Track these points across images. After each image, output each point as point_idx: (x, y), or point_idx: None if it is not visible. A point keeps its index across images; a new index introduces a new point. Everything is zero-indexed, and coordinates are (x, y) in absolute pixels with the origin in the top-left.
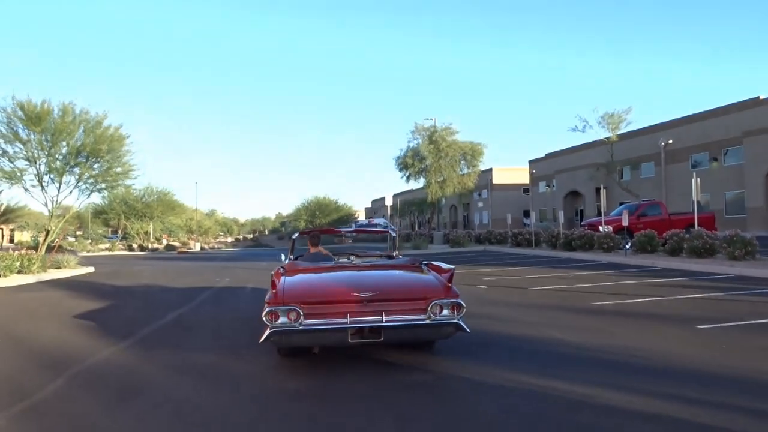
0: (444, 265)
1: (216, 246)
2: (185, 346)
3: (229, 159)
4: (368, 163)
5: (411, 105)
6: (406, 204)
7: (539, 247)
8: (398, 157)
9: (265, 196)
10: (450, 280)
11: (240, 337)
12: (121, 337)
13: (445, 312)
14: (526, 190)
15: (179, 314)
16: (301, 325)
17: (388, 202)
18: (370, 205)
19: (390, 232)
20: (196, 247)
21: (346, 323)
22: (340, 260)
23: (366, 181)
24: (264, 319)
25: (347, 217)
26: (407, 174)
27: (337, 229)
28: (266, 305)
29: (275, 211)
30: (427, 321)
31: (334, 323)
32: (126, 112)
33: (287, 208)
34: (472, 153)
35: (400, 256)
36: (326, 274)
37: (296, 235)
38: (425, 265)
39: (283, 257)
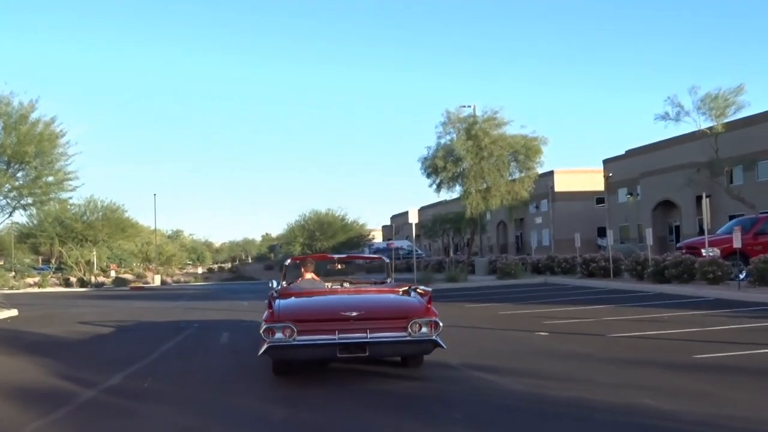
0: (424, 288)
1: (182, 279)
2: (139, 416)
3: (200, 164)
4: (385, 169)
5: (440, 89)
6: (438, 221)
7: (619, 278)
8: (424, 158)
9: (248, 212)
10: (429, 301)
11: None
12: (52, 406)
13: (424, 330)
14: (600, 200)
15: (137, 370)
16: (295, 340)
17: (413, 218)
18: (389, 223)
19: (384, 259)
20: (156, 280)
21: (335, 339)
22: (333, 287)
23: (384, 193)
24: (262, 335)
25: (359, 239)
26: (437, 180)
27: (329, 255)
28: (263, 323)
29: (261, 231)
30: (408, 338)
31: (324, 339)
32: (62, 102)
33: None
34: (526, 151)
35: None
36: (317, 297)
37: (288, 261)
38: (412, 289)
39: (274, 283)
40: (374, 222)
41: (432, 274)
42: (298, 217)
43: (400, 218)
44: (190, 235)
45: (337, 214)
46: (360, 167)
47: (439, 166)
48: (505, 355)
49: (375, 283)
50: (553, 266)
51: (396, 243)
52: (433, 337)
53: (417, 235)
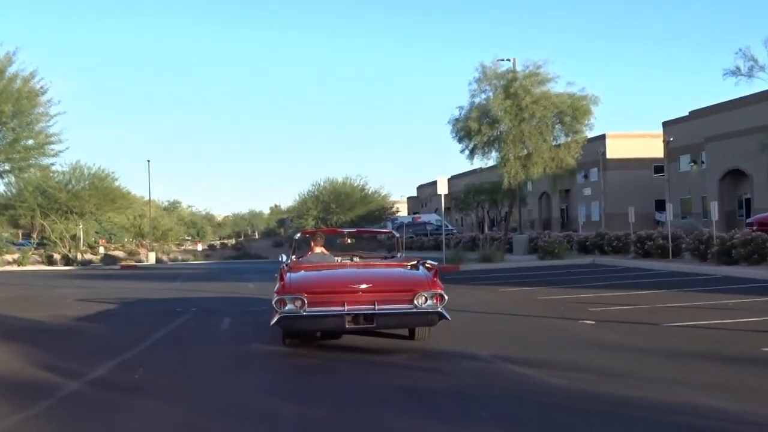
0: (431, 263)
1: (180, 257)
2: (126, 411)
3: (201, 128)
4: (411, 133)
5: (474, 40)
6: (471, 192)
7: (679, 259)
8: (456, 119)
9: (255, 182)
10: (435, 275)
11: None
12: (30, 399)
13: (429, 302)
14: (659, 169)
15: (127, 360)
16: (305, 311)
17: (442, 189)
18: (415, 194)
19: (394, 233)
20: (150, 258)
21: (344, 310)
22: (343, 261)
23: (409, 160)
24: (274, 306)
25: (380, 212)
26: (470, 146)
27: (339, 229)
28: (275, 294)
29: (270, 203)
30: (414, 309)
31: (334, 310)
32: (44, 54)
33: (288, 199)
34: (573, 111)
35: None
36: (327, 270)
37: (298, 235)
38: (420, 264)
39: (284, 257)
40: (398, 193)
41: (463, 253)
42: (311, 186)
43: (428, 189)
44: (189, 207)
45: (355, 184)
46: (382, 132)
47: (472, 128)
48: (543, 345)
49: (384, 258)
50: (603, 245)
51: (423, 217)
52: (438, 309)
53: (447, 209)
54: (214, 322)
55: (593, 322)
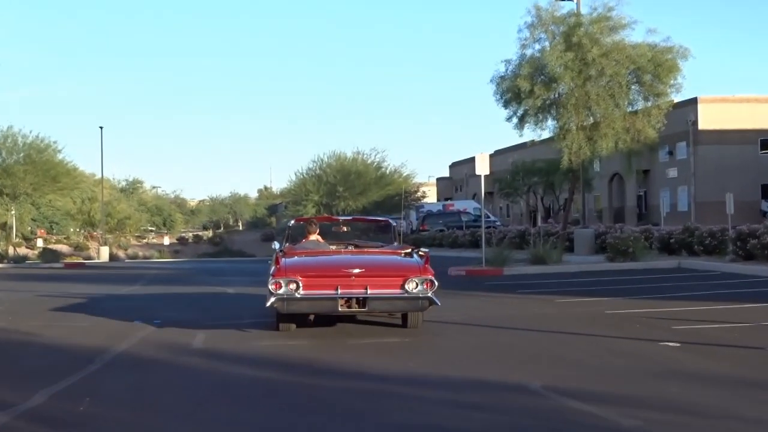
0: (424, 250)
1: (141, 253)
2: None
3: (170, 86)
4: (441, 99)
5: None
6: (520, 173)
7: None
8: (500, 78)
9: (239, 159)
10: (426, 261)
11: None
12: None
13: (420, 287)
14: (767, 145)
15: (70, 386)
16: (299, 294)
17: (482, 168)
18: (446, 174)
19: (390, 222)
20: (102, 254)
21: (337, 294)
22: (338, 248)
23: (439, 133)
24: (269, 288)
25: (402, 198)
26: (520, 112)
27: (334, 217)
28: (271, 277)
29: (258, 184)
30: (405, 294)
31: (327, 294)
32: None
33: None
34: (655, 68)
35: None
36: (322, 255)
37: (292, 222)
38: (414, 252)
39: (276, 245)
40: (425, 173)
41: (509, 252)
42: (311, 164)
43: (464, 168)
44: (154, 188)
45: (369, 161)
46: (404, 95)
47: (522, 89)
48: (612, 375)
49: (380, 247)
50: (692, 243)
51: (457, 204)
52: (429, 295)
53: (488, 194)
54: (182, 339)
55: (678, 344)
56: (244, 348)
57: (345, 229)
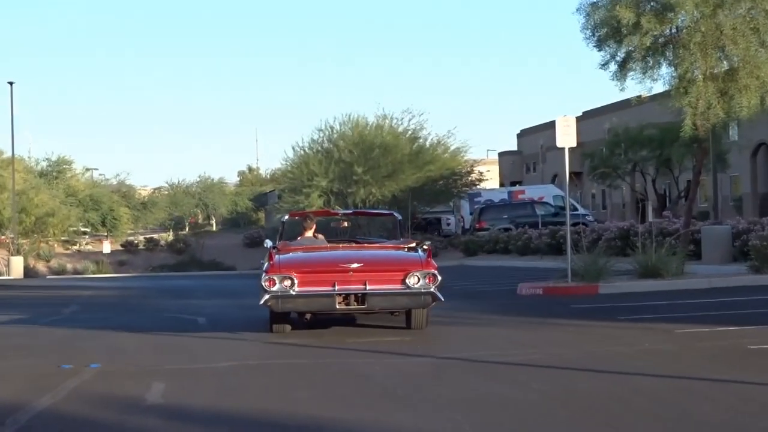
0: (428, 244)
1: (71, 266)
2: None
3: (114, 30)
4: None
5: None
6: (623, 144)
7: None
8: (590, 4)
9: (212, 130)
10: (429, 255)
11: None
12: None
13: (422, 282)
14: None
15: None
16: (294, 290)
17: (565, 139)
18: (514, 148)
19: (395, 215)
20: (14, 268)
21: (334, 290)
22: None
23: (500, 88)
24: (263, 285)
25: (449, 183)
26: (619, 55)
27: (333, 211)
28: (264, 274)
29: (240, 165)
30: (406, 290)
31: (324, 290)
32: None
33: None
34: None
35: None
36: (318, 251)
37: (286, 217)
38: (419, 246)
39: (269, 243)
40: (482, 147)
41: (606, 261)
42: (317, 134)
43: (538, 138)
44: (88, 171)
45: (400, 129)
46: (444, 39)
47: (623, 21)
48: None
49: (383, 242)
50: None
51: (530, 191)
52: (431, 290)
53: (574, 175)
54: (132, 390)
55: None
56: (223, 404)
57: (346, 225)
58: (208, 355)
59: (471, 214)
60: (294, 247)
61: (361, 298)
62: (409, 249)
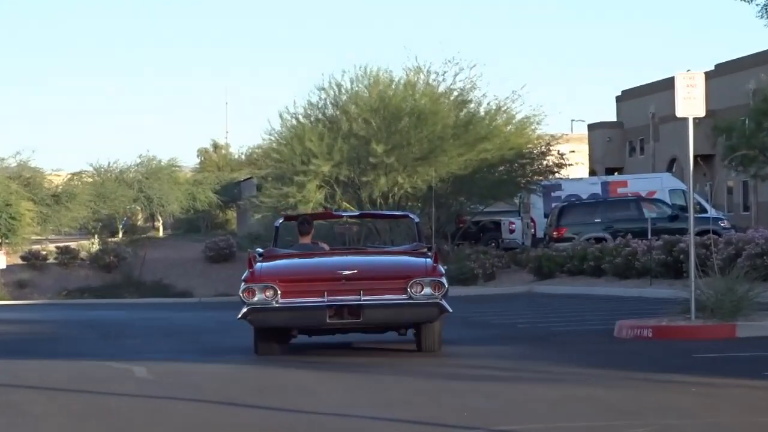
0: (439, 247)
1: None
2: None
3: None
4: None
5: None
6: None
7: None
8: None
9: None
10: (436, 260)
11: None
12: None
13: (426, 291)
14: None
15: None
16: (277, 302)
17: (687, 107)
18: (611, 117)
19: (411, 217)
20: None
21: (324, 301)
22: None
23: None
24: (241, 296)
25: (517, 171)
26: None
27: (335, 213)
28: (243, 283)
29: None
30: (408, 300)
31: (312, 302)
32: None
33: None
34: None
35: None
36: (306, 257)
37: (280, 221)
38: (428, 249)
39: (260, 251)
40: (563, 116)
41: (747, 288)
42: (316, 94)
43: (646, 104)
44: None
45: (441, 88)
46: None
47: None
48: None
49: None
50: None
51: (633, 182)
52: (437, 300)
53: (701, 159)
54: None
55: None
56: None
57: (354, 229)
58: (148, 426)
59: (546, 216)
60: (282, 254)
61: (356, 310)
62: (414, 254)
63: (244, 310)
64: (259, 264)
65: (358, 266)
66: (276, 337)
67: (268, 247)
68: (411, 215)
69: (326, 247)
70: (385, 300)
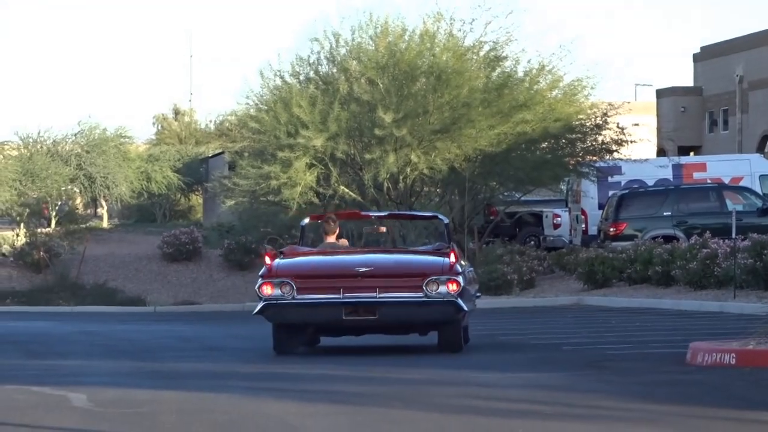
0: (450, 246)
1: None
2: None
3: None
4: None
5: None
6: None
7: None
8: None
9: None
10: (455, 258)
11: None
12: None
13: (442, 289)
14: None
15: None
16: (294, 298)
17: None
18: (687, 81)
19: (441, 218)
20: None
21: (340, 298)
22: None
23: None
24: (257, 292)
25: (573, 147)
26: None
27: (363, 213)
28: (259, 279)
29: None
30: (423, 298)
31: (328, 298)
32: None
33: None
34: None
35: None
36: (324, 255)
37: (306, 221)
38: (448, 248)
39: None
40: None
41: None
42: (308, 48)
43: (731, 64)
44: None
45: (468, 41)
46: None
47: None
48: None
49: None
50: None
51: (713, 165)
52: (453, 299)
53: None
54: None
55: None
56: None
57: (383, 230)
58: None
59: (601, 207)
60: (302, 252)
61: (372, 307)
62: (436, 254)
63: (261, 305)
64: (277, 260)
65: (375, 264)
66: (295, 335)
67: (290, 246)
68: (440, 216)
69: (345, 243)
70: (401, 298)
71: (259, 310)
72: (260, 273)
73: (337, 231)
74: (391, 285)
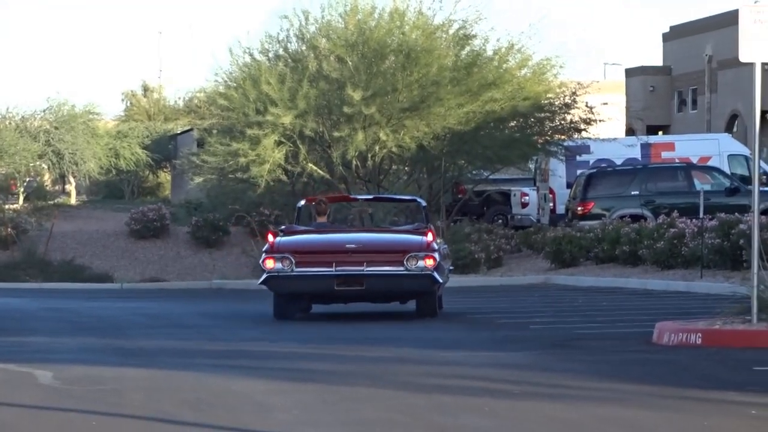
0: (426, 225)
1: None
2: None
3: None
4: None
5: None
6: None
7: None
8: None
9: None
10: (432, 237)
11: None
12: None
13: (420, 264)
14: None
15: None
16: (293, 271)
17: (753, 48)
18: (656, 60)
19: (418, 201)
20: None
21: (332, 271)
22: None
23: None
24: (261, 265)
25: (542, 126)
26: None
27: (350, 196)
28: (263, 254)
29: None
30: (404, 271)
31: (322, 271)
32: None
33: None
34: None
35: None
36: (318, 233)
37: (302, 203)
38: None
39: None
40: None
41: None
42: (277, 25)
43: (700, 43)
44: None
45: (438, 20)
46: None
47: None
48: None
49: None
50: None
51: (681, 144)
52: (430, 272)
53: None
54: None
55: None
56: None
57: (370, 211)
58: None
59: (569, 186)
60: (300, 230)
61: (359, 279)
62: (415, 232)
63: (264, 276)
64: (278, 238)
65: (363, 242)
66: (293, 303)
67: (288, 225)
68: (419, 200)
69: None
70: (385, 271)
71: (263, 281)
72: (263, 249)
73: (328, 211)
74: (376, 260)
